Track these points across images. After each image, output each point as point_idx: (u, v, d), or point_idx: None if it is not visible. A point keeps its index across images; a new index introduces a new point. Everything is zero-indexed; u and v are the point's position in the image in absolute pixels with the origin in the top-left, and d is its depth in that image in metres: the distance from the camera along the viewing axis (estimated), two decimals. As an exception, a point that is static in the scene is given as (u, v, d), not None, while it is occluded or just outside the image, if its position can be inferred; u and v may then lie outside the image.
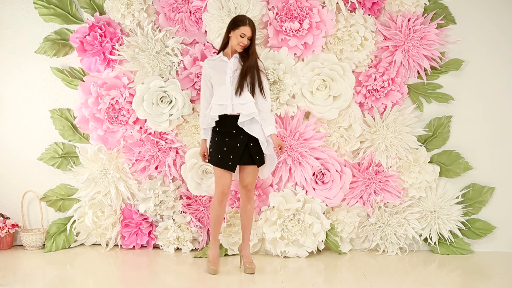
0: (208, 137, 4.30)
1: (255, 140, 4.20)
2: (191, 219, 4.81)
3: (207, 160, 4.34)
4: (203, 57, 4.74)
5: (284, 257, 4.67)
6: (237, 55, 4.24)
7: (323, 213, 4.75)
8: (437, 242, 4.81)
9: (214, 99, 4.21)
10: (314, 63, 4.74)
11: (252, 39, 4.18)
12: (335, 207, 4.85)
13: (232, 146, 4.18)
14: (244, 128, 4.16)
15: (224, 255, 4.70)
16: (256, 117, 4.15)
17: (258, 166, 4.26)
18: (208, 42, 4.77)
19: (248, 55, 4.21)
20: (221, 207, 4.25)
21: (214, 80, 4.23)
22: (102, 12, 4.83)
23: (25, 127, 4.96)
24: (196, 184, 4.78)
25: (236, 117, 4.16)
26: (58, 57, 4.89)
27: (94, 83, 4.81)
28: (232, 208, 4.76)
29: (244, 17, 4.22)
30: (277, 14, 4.71)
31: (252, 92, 4.18)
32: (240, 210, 4.36)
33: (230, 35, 4.21)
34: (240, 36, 4.15)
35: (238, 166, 4.23)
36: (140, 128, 4.84)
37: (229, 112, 4.16)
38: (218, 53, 4.33)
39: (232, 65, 4.21)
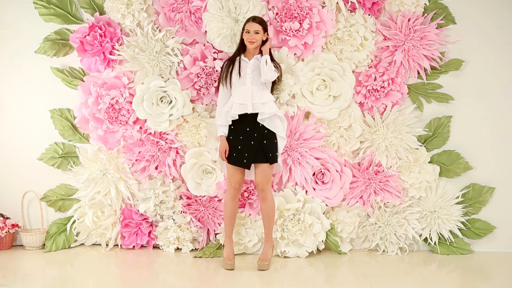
0: (226, 134, 4.41)
1: (269, 138, 4.31)
2: (191, 219, 4.81)
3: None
4: (203, 57, 4.74)
5: (284, 257, 4.67)
6: (258, 56, 4.40)
7: (323, 213, 4.75)
8: (437, 242, 4.81)
9: (235, 99, 4.35)
10: (314, 63, 4.75)
11: (267, 38, 4.38)
12: (335, 207, 4.85)
13: (247, 144, 4.31)
14: (264, 124, 4.30)
15: (224, 255, 4.70)
16: (278, 113, 4.35)
17: (271, 164, 4.32)
18: (208, 42, 4.77)
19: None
20: (234, 202, 4.41)
21: (234, 80, 4.37)
22: (102, 12, 4.83)
23: (25, 127, 4.95)
24: (196, 184, 4.78)
25: (252, 115, 4.30)
26: (58, 57, 4.89)
27: (94, 83, 4.81)
28: (232, 208, 4.76)
29: (250, 17, 4.42)
30: (277, 14, 4.71)
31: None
32: (261, 210, 4.48)
33: (243, 38, 4.39)
34: (246, 32, 4.34)
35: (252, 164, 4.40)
36: (140, 128, 4.84)
37: (249, 111, 4.31)
38: (234, 56, 4.45)
39: (252, 66, 4.36)
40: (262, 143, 4.30)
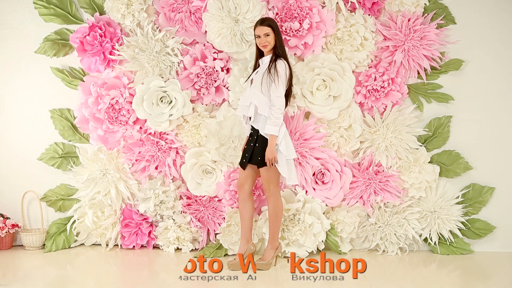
0: (247, 134, 4.46)
1: (261, 141, 4.26)
2: (191, 219, 4.81)
3: None
4: (203, 57, 4.74)
5: (284, 257, 4.67)
6: (264, 58, 4.34)
7: (323, 213, 4.75)
8: (437, 242, 4.80)
9: (239, 100, 4.41)
10: (314, 63, 4.75)
11: (276, 38, 4.27)
12: (335, 207, 4.85)
13: (248, 145, 4.36)
14: (257, 127, 4.27)
15: (224, 255, 4.70)
16: (259, 117, 4.26)
17: (258, 167, 4.30)
18: (208, 42, 4.77)
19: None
20: (240, 200, 4.42)
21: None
22: (102, 12, 4.84)
23: (25, 127, 4.96)
24: (196, 184, 4.78)
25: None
26: (58, 57, 4.90)
27: (94, 83, 4.81)
28: (232, 208, 4.76)
29: (258, 21, 4.33)
30: (277, 14, 4.71)
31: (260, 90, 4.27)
32: None
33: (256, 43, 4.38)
34: (257, 37, 4.30)
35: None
36: (140, 128, 4.85)
37: (245, 113, 4.34)
38: (256, 60, 4.43)
39: (260, 68, 4.33)
40: (254, 146, 4.29)
